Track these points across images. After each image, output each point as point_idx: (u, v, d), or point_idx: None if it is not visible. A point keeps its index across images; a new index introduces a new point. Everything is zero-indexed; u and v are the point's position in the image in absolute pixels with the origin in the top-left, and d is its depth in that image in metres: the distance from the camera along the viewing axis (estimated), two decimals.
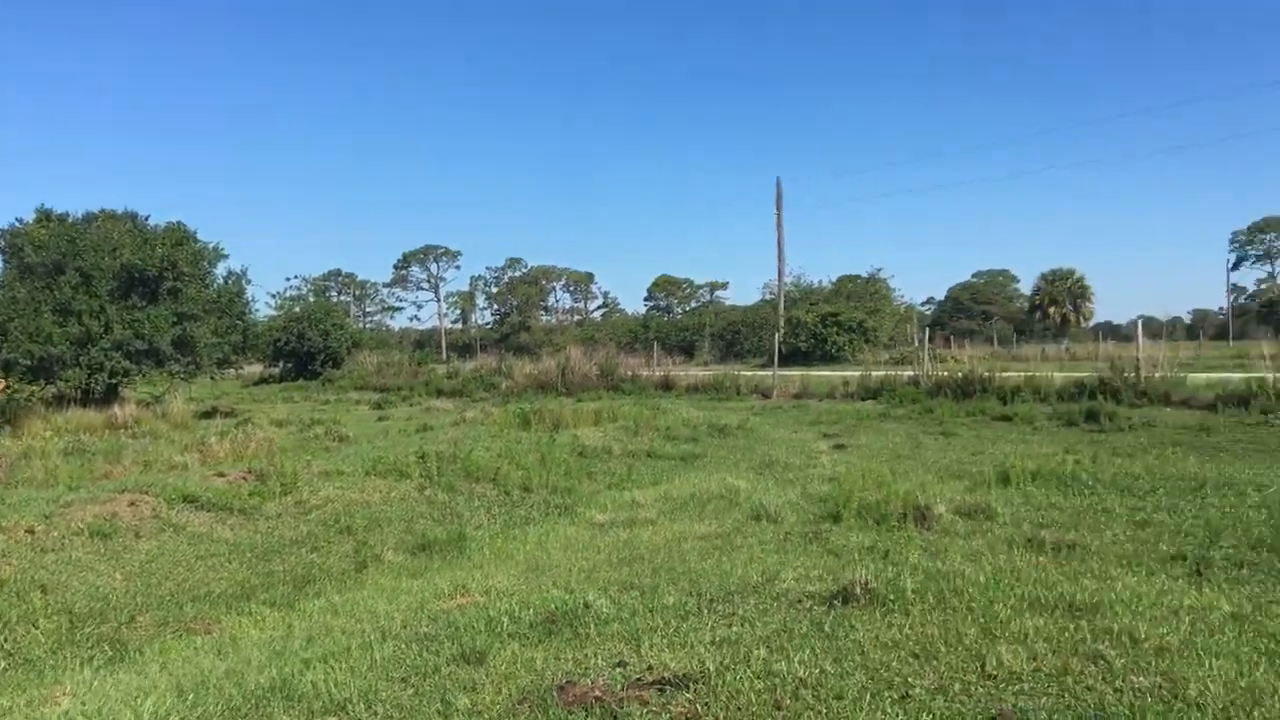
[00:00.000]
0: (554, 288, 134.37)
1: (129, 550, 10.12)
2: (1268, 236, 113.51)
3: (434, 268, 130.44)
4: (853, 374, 31.65)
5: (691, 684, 5.20)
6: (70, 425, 24.42)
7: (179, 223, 37.62)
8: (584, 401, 28.10)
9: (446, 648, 6.15)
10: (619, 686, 5.23)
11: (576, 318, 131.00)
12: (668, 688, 5.18)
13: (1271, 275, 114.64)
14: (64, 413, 27.38)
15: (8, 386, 30.90)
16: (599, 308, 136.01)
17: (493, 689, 5.38)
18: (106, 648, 7.59)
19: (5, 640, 7.52)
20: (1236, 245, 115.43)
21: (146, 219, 38.34)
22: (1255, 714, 4.61)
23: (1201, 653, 5.44)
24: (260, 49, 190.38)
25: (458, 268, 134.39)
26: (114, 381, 32.61)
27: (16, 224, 37.00)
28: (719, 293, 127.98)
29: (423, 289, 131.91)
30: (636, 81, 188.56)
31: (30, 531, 10.05)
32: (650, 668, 5.55)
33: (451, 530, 10.94)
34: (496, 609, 7.04)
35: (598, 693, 5.10)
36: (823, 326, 56.00)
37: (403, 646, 6.32)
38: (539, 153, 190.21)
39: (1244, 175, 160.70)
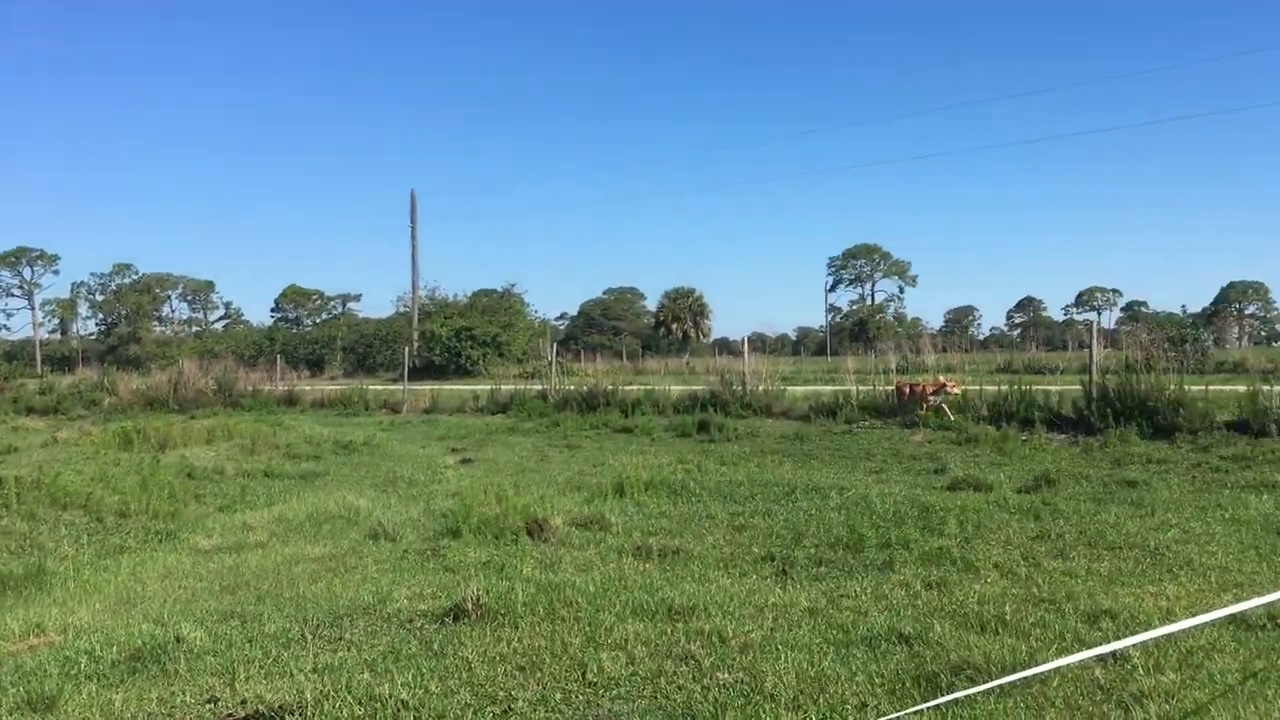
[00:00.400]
0: (169, 296, 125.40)
1: None
2: (858, 262, 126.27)
3: (27, 272, 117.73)
4: (484, 388, 31.81)
5: (287, 715, 4.98)
6: None
7: None
8: (198, 419, 26.37)
9: (10, 695, 5.52)
10: None
11: (195, 329, 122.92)
12: None
13: (862, 297, 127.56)
14: None
15: None
16: (221, 318, 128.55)
17: None
18: None
19: None
20: (833, 269, 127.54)
21: None
22: (821, 700, 5.04)
23: (780, 647, 5.90)
24: None
25: (56, 272, 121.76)
26: None
27: None
28: (352, 304, 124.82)
29: (13, 295, 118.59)
30: (270, 85, 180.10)
31: None
32: (244, 701, 5.26)
33: (29, 564, 9.83)
34: (75, 648, 6.42)
35: None
36: (457, 340, 55.95)
37: None
38: (155, 150, 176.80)
39: (840, 203, 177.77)
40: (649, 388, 27.04)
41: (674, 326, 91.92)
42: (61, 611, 7.72)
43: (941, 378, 21.41)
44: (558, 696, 5.20)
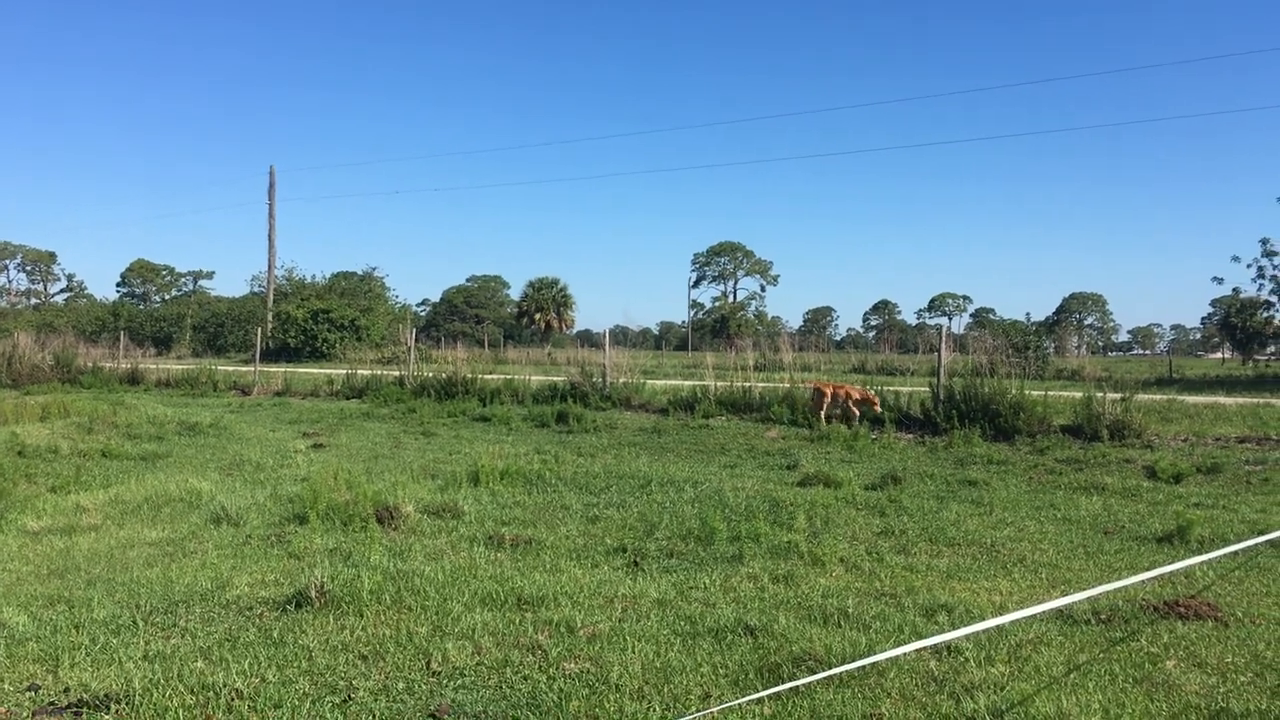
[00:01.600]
0: (7, 266, 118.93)
1: None
2: (722, 259, 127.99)
3: None
4: (340, 372, 31.10)
5: (113, 704, 4.78)
6: None
7: None
8: (32, 395, 25.12)
9: None
10: (26, 713, 4.68)
11: (35, 301, 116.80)
12: (84, 710, 4.71)
13: (724, 294, 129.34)
14: None
15: None
16: (62, 291, 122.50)
17: None
18: None
19: None
20: (697, 265, 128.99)
21: None
22: (665, 690, 5.10)
23: (628, 637, 5.93)
24: None
25: None
26: None
27: None
28: (204, 282, 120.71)
29: None
30: (125, 51, 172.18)
31: None
32: (68, 689, 5.03)
33: None
34: None
35: None
36: (314, 323, 54.65)
37: None
38: None
39: (706, 202, 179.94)
40: (509, 377, 26.87)
41: (537, 317, 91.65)
42: None
43: (868, 390, 19.76)
44: (400, 686, 5.12)
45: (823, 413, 19.20)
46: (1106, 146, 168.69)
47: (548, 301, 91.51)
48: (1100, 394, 17.60)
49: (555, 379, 26.52)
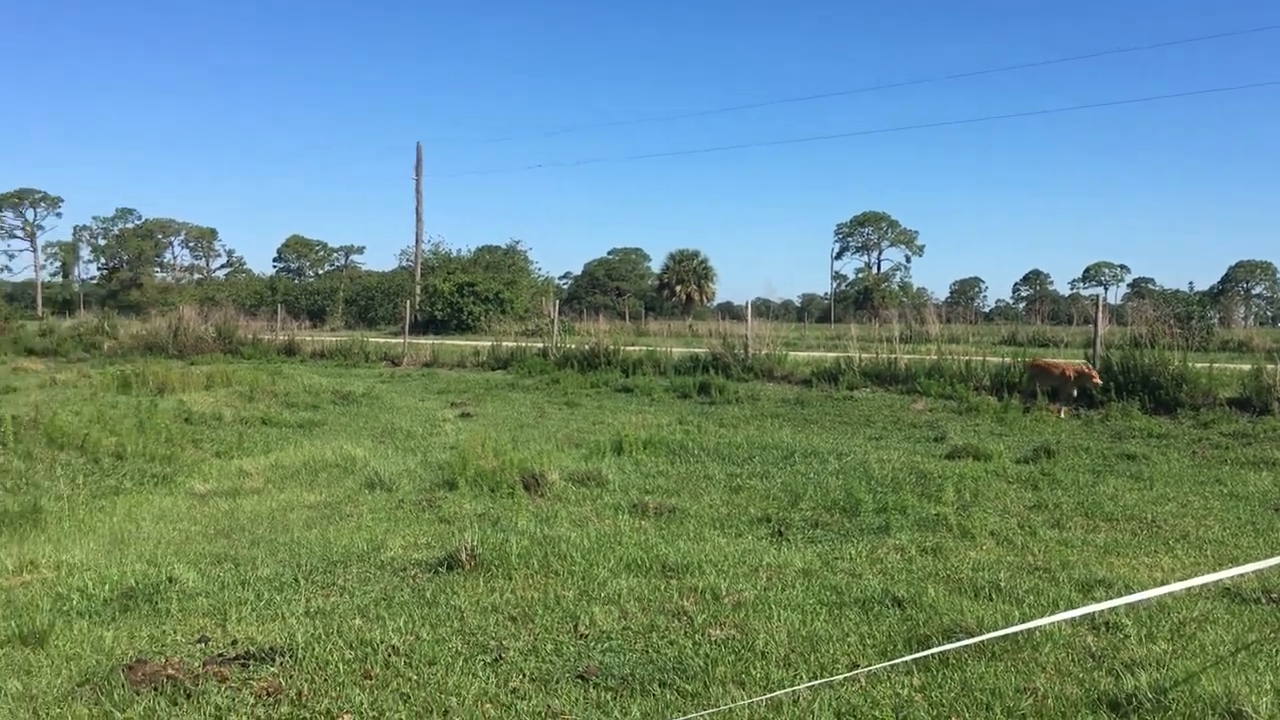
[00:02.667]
0: (172, 243, 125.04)
1: None
2: (865, 230, 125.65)
3: (30, 214, 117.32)
4: (485, 344, 31.74)
5: (278, 656, 4.97)
6: None
7: None
8: (197, 365, 26.35)
9: (1, 628, 5.51)
10: (197, 663, 4.90)
11: (197, 276, 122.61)
12: (251, 662, 4.91)
13: (868, 265, 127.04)
14: None
15: None
16: (223, 266, 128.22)
17: (51, 671, 4.89)
18: None
19: None
20: (840, 236, 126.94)
21: None
22: (812, 659, 5.03)
23: (773, 606, 5.88)
24: None
25: (59, 215, 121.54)
26: None
27: None
28: (355, 257, 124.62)
29: (16, 237, 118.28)
30: (279, 34, 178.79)
31: None
32: (235, 642, 5.25)
33: (24, 501, 9.82)
34: (67, 585, 6.41)
35: (171, 670, 4.75)
36: (459, 296, 55.83)
37: None
38: (161, 95, 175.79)
39: (849, 171, 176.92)
40: (651, 349, 26.96)
41: (678, 289, 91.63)
42: (55, 549, 7.69)
43: (1083, 365, 17.69)
44: (549, 647, 5.18)
45: (1059, 401, 17.04)
46: (1277, 106, 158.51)
47: (688, 274, 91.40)
48: (1271, 365, 16.65)
49: (696, 350, 26.51)
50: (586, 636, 5.35)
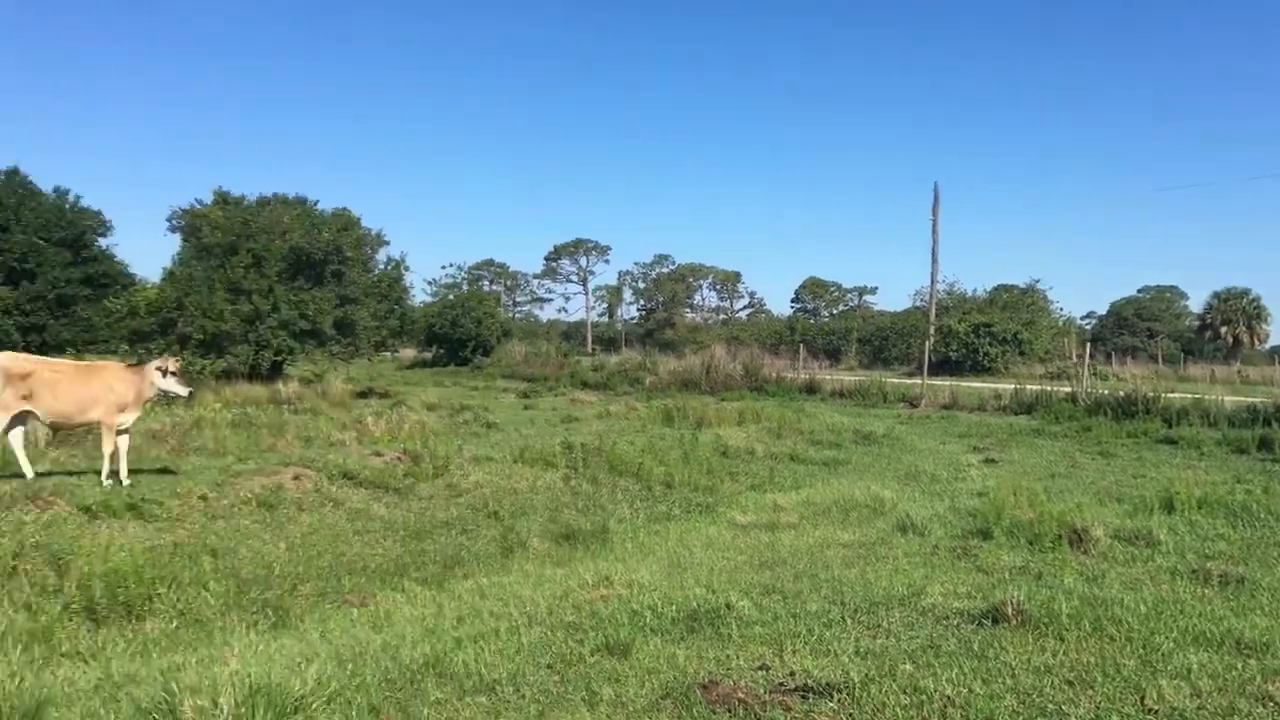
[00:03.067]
0: (700, 285, 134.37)
1: (292, 521, 10.60)
2: None
3: (583, 261, 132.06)
4: (1005, 387, 30.74)
5: (835, 693, 5.16)
6: (238, 398, 25.59)
7: (345, 209, 38.96)
8: (726, 400, 28.07)
9: (590, 638, 6.25)
10: (762, 690, 5.23)
11: (722, 316, 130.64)
12: (811, 695, 5.15)
13: None
14: (232, 386, 28.72)
15: (181, 359, 32.60)
16: (745, 307, 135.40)
17: (636, 682, 5.45)
18: (270, 613, 7.97)
19: (179, 600, 7.96)
20: None
21: (315, 204, 39.65)
22: None
23: None
24: (417, 44, 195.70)
25: (607, 262, 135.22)
26: (278, 359, 34.05)
27: (195, 205, 39.01)
28: (867, 297, 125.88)
29: (571, 281, 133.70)
30: (798, 85, 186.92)
31: (203, 498, 10.64)
32: (793, 673, 5.53)
33: (595, 522, 11.09)
34: (639, 602, 7.11)
35: (740, 694, 5.11)
36: (975, 336, 54.56)
37: (548, 633, 6.45)
38: (690, 151, 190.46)
39: None
40: (1197, 396, 24.60)
41: (1223, 330, 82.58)
42: (625, 567, 8.59)
43: None
44: (1114, 718, 4.91)
45: None
46: None
47: (1236, 313, 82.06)
48: None
49: (1251, 399, 23.78)
50: (1155, 711, 5.01)
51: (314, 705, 4.89)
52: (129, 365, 11.34)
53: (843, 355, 69.68)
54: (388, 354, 43.06)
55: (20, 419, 11.13)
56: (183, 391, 11.62)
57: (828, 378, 37.62)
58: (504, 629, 6.56)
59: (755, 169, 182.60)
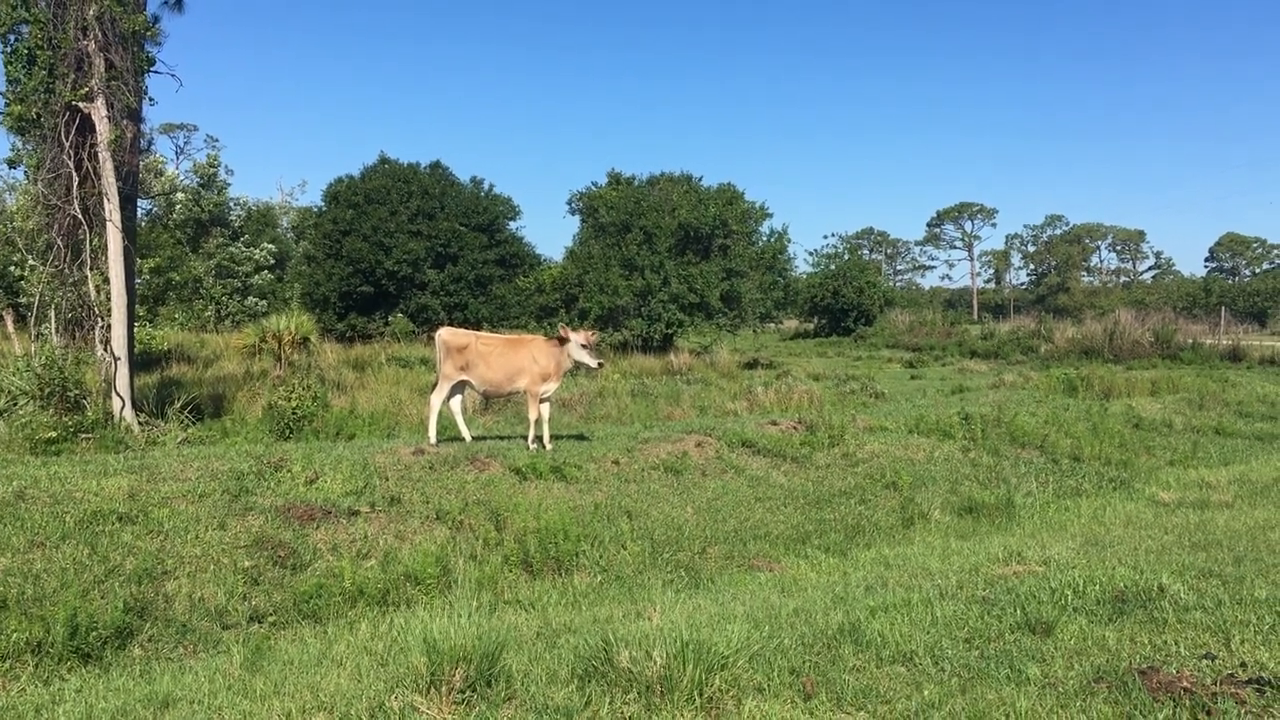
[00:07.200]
0: (1098, 247, 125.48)
1: (697, 487, 11.07)
2: None
3: (968, 225, 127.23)
4: None
5: None
6: (634, 369, 27.07)
7: (729, 183, 39.95)
8: (1135, 370, 26.07)
9: (1009, 614, 6.04)
10: (1209, 680, 4.83)
11: (1123, 279, 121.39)
12: (1268, 689, 4.69)
13: None
14: (628, 358, 30.38)
15: (595, 331, 34.82)
16: (1149, 269, 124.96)
17: (1063, 662, 5.20)
18: (683, 574, 8.39)
19: (600, 557, 8.56)
20: None
21: (700, 180, 40.95)
22: None
23: None
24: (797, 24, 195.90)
25: (993, 225, 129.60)
26: (669, 331, 35.59)
27: (592, 188, 41.45)
28: None
29: (955, 248, 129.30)
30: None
31: (615, 463, 11.34)
32: (1244, 664, 5.06)
33: (998, 495, 10.69)
34: (1057, 580, 6.78)
35: (1185, 683, 4.75)
36: None
37: (961, 607, 6.30)
38: (1088, 99, 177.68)
39: None
40: None
41: None
42: (1036, 543, 8.23)
43: None
44: None
45: None
46: None
47: None
48: None
49: None
50: None
51: (738, 663, 5.08)
52: (550, 339, 12.19)
53: (1270, 319, 62.65)
54: (771, 325, 43.74)
55: (458, 388, 12.32)
56: (593, 363, 12.31)
57: (1255, 343, 33.92)
58: (915, 600, 6.49)
59: (1158, 118, 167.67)
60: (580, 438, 13.34)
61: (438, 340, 12.28)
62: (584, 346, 12.03)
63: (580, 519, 9.23)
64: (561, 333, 12.03)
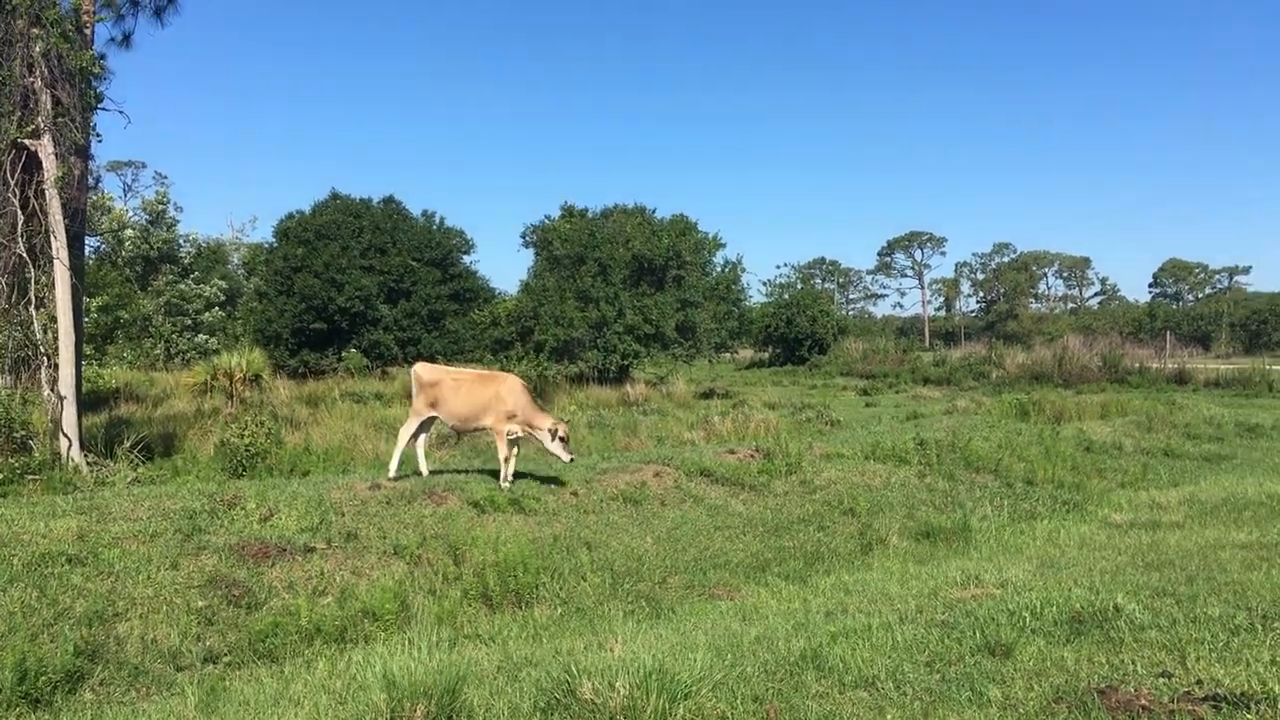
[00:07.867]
0: (1045, 274, 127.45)
1: (656, 516, 11.05)
2: None
3: (918, 254, 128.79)
4: None
5: (1252, 704, 4.74)
6: (590, 400, 27.03)
7: (682, 215, 40.17)
8: (1084, 394, 26.46)
9: (968, 637, 6.08)
10: (1166, 698, 4.89)
11: (1070, 305, 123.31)
12: (1224, 705, 4.75)
13: None
14: (584, 390, 30.34)
15: (538, 365, 34.78)
16: (1095, 295, 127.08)
17: (1023, 684, 5.24)
18: (644, 604, 8.36)
19: (561, 589, 8.51)
20: None
21: (653, 211, 41.14)
22: None
23: None
24: (770, 48, 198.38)
25: (943, 254, 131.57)
26: (625, 363, 35.61)
27: (545, 220, 41.49)
28: (1239, 278, 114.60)
29: (906, 276, 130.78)
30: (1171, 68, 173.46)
31: (574, 494, 11.30)
32: (1200, 682, 5.13)
33: (955, 519, 10.78)
34: (1015, 603, 6.84)
35: (1143, 701, 4.80)
36: None
37: (922, 631, 6.34)
38: (1032, 132, 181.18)
39: None
40: None
41: None
42: (993, 567, 8.29)
43: None
44: None
45: None
46: None
47: None
48: None
49: None
50: None
51: (702, 692, 5.07)
52: (526, 380, 11.82)
53: (1213, 342, 63.96)
54: (727, 355, 43.90)
55: (426, 425, 12.19)
56: (566, 458, 11.40)
57: (1200, 366, 34.59)
58: (876, 625, 6.52)
59: (1102, 148, 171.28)
60: (554, 481, 12.71)
61: (412, 375, 12.18)
62: (557, 437, 11.25)
63: (540, 551, 9.18)
64: (556, 425, 11.32)
